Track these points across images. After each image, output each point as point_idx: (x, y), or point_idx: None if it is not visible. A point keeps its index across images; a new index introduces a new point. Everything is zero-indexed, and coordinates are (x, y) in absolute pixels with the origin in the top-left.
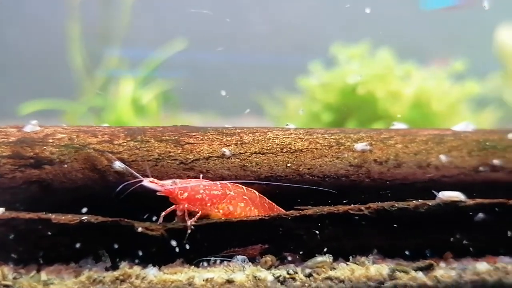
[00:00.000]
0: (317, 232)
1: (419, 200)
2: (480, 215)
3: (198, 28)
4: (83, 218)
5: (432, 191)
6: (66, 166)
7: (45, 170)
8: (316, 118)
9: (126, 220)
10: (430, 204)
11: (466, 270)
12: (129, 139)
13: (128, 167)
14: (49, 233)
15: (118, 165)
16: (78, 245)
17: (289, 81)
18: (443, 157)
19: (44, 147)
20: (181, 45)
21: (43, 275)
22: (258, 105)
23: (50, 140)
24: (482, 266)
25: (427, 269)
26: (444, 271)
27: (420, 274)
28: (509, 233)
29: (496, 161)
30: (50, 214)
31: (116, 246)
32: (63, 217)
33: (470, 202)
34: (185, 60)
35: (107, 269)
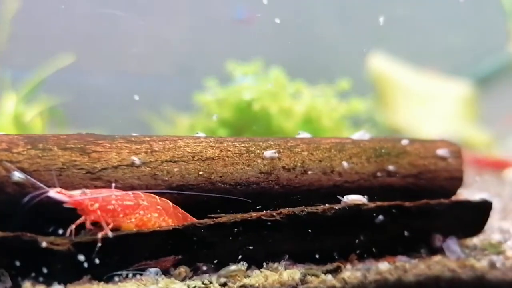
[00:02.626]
0: (230, 239)
1: (326, 205)
2: (380, 217)
3: (83, 46)
4: None
5: (337, 196)
6: None
7: None
8: (212, 133)
9: (28, 234)
10: (336, 208)
11: (370, 270)
12: (29, 147)
13: (30, 177)
14: None
15: (17, 175)
16: None
17: (179, 100)
18: (345, 164)
19: None
20: (65, 62)
21: None
22: (145, 124)
23: None
24: (384, 266)
25: (335, 271)
26: (351, 272)
27: (329, 277)
28: (405, 233)
29: (391, 167)
30: None
31: (18, 263)
32: None
33: (372, 205)
34: (70, 78)
35: None
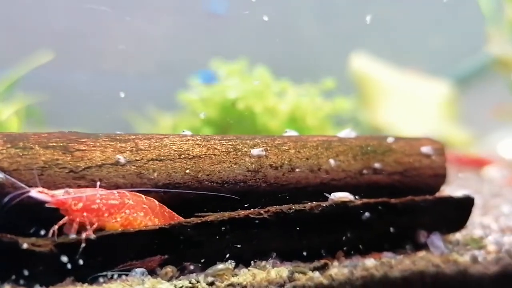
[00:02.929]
0: (218, 238)
1: (314, 202)
2: (367, 214)
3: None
4: None
5: (324, 193)
6: None
7: None
8: (197, 132)
9: (8, 236)
10: (323, 205)
11: (357, 266)
12: (9, 145)
13: (9, 176)
14: None
15: None
16: None
17: (161, 99)
18: (332, 161)
19: None
20: (44, 59)
21: None
22: (127, 123)
23: None
24: (370, 262)
25: (323, 268)
26: (338, 269)
27: (316, 274)
28: (391, 230)
29: (377, 165)
30: None
31: None
32: None
33: (358, 202)
34: (49, 76)
35: None
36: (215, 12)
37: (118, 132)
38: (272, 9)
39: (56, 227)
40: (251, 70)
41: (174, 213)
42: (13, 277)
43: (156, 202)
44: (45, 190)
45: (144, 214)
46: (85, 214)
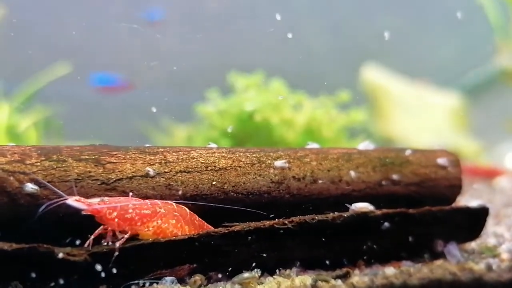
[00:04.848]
0: (244, 247)
1: (335, 213)
2: (386, 224)
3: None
4: None
5: (345, 204)
6: None
7: None
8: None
9: (45, 245)
10: (345, 215)
11: (377, 275)
12: (43, 158)
13: (48, 184)
14: None
15: (30, 187)
16: None
17: (176, 111)
18: (352, 173)
19: None
20: (62, 72)
21: None
22: (143, 135)
23: None
24: (389, 270)
25: (345, 276)
26: (359, 277)
27: (339, 282)
28: (410, 239)
29: (395, 176)
30: None
31: (33, 275)
32: None
33: (378, 212)
34: (66, 88)
35: None
36: (151, 19)
37: (147, 145)
38: (287, 26)
39: (92, 237)
40: (267, 83)
41: (203, 221)
42: (49, 285)
43: (187, 210)
44: (82, 199)
45: (175, 221)
46: (118, 221)
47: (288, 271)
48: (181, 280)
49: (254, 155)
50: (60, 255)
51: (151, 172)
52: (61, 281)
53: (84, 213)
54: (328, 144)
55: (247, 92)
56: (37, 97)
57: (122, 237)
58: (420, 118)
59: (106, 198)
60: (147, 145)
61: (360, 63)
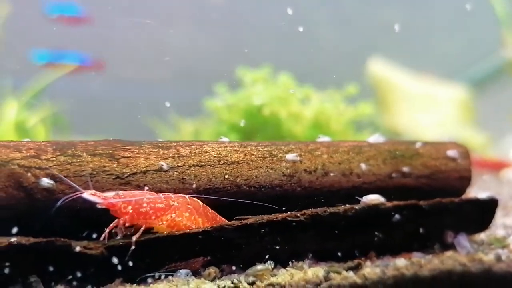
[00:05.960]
0: (257, 240)
1: (347, 205)
2: (397, 216)
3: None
4: (12, 240)
5: (356, 196)
6: None
7: None
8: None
9: (62, 239)
10: (356, 208)
11: (388, 266)
12: (58, 153)
13: (65, 179)
14: None
15: (46, 181)
16: (6, 271)
17: (182, 106)
18: (363, 166)
19: None
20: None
21: None
22: (149, 129)
23: None
24: (401, 262)
25: (356, 268)
26: (370, 269)
27: (350, 274)
28: (420, 231)
29: (405, 168)
30: None
31: (51, 268)
32: None
33: (389, 204)
34: (73, 84)
35: None
36: (50, 15)
37: (160, 140)
38: (295, 20)
39: (107, 230)
40: (274, 77)
41: (216, 213)
42: (66, 279)
43: (200, 202)
44: (97, 193)
45: (189, 214)
46: (132, 215)
47: (300, 263)
48: (195, 273)
49: (265, 149)
50: (77, 248)
51: (165, 166)
52: (78, 274)
53: (100, 207)
54: (336, 138)
55: (255, 86)
56: (45, 92)
57: (138, 231)
58: (427, 111)
59: (121, 192)
60: (159, 140)
61: (366, 56)
